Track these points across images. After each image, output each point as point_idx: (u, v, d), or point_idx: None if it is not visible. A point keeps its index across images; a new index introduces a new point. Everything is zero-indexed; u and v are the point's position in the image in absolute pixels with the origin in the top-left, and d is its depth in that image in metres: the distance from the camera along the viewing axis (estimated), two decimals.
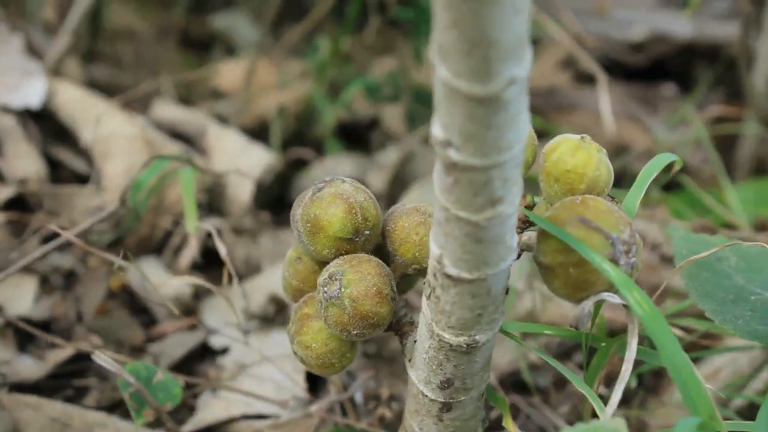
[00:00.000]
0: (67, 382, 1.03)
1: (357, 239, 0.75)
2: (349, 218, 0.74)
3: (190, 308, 1.13)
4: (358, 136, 1.54)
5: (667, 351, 0.64)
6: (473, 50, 0.53)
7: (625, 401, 1.07)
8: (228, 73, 1.53)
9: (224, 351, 1.09)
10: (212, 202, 1.26)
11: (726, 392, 1.01)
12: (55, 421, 0.93)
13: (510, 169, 0.60)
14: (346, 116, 1.50)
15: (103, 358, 0.86)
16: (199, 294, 1.14)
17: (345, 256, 0.75)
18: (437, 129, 0.59)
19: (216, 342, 1.09)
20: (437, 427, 0.78)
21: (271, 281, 1.12)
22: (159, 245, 1.21)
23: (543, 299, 1.09)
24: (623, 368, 0.69)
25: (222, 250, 0.92)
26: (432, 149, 1.41)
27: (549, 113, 1.60)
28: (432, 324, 0.71)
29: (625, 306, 0.70)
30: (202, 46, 1.75)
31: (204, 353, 1.10)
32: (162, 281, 1.12)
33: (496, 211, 0.61)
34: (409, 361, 0.77)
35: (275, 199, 1.36)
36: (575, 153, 0.71)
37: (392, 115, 1.54)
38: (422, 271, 0.77)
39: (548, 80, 1.65)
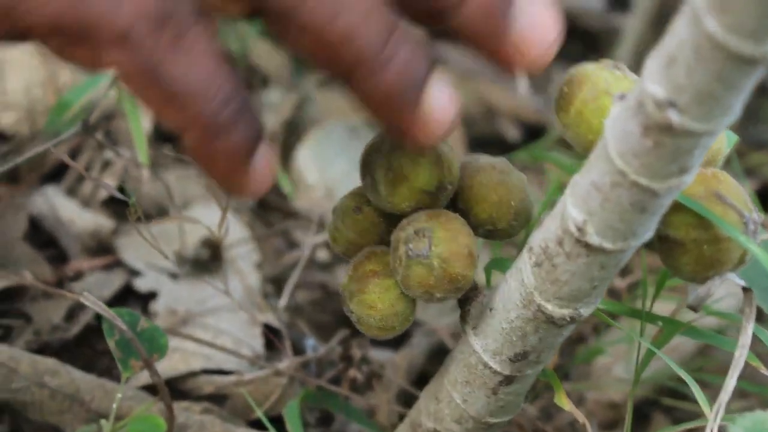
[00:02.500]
0: None
1: (439, 193, 0.69)
2: (436, 170, 0.68)
3: (106, 245, 1.02)
4: None
5: None
6: None
7: (565, 377, 1.06)
8: None
9: (152, 295, 0.99)
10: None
11: None
12: (1, 366, 0.81)
13: (718, 135, 0.56)
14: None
15: (92, 300, 0.76)
16: (116, 229, 1.04)
17: (427, 211, 0.69)
18: (656, 88, 0.54)
19: (141, 284, 0.99)
20: (488, 400, 0.73)
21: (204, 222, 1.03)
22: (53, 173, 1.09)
23: None
24: (737, 354, 0.66)
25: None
26: (335, 93, 1.34)
27: None
28: (534, 293, 0.66)
29: (744, 289, 0.67)
30: None
31: (126, 296, 1.00)
32: (77, 215, 1.01)
33: (681, 179, 0.58)
34: (473, 329, 0.72)
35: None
36: None
37: (262, 51, 1.45)
38: (494, 233, 0.72)
39: None
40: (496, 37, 0.60)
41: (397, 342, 1.02)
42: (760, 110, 1.52)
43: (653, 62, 0.54)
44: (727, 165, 0.69)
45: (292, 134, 1.28)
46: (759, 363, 0.70)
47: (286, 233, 1.15)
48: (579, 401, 1.02)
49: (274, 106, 1.32)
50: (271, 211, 1.21)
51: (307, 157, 1.24)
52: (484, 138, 1.47)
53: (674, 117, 0.54)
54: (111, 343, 0.76)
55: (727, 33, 0.50)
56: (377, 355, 0.99)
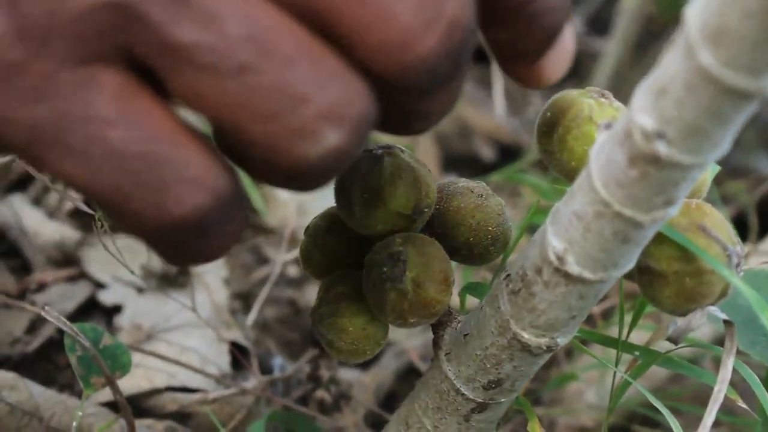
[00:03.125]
0: None
1: (416, 217, 0.67)
2: (413, 193, 0.66)
3: (71, 257, 1.00)
4: None
5: None
6: None
7: (537, 401, 1.04)
8: None
9: (117, 309, 0.96)
10: None
11: None
12: None
13: (706, 169, 0.55)
14: None
15: (55, 315, 0.73)
16: (82, 241, 1.01)
17: (402, 235, 0.67)
18: (645, 118, 0.52)
19: (106, 298, 0.97)
20: (459, 427, 0.71)
21: None
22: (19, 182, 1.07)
23: None
24: (716, 388, 0.65)
25: None
26: None
27: None
28: (510, 321, 0.64)
29: (726, 322, 0.66)
30: None
31: (90, 309, 0.97)
32: (42, 225, 0.99)
33: (666, 211, 0.56)
34: (446, 354, 0.70)
35: None
36: None
37: None
38: (471, 258, 0.70)
39: None
40: (540, 46, 0.57)
41: (366, 362, 1.00)
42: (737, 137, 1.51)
43: (642, 92, 0.53)
44: None
45: None
46: (737, 396, 0.69)
47: (257, 249, 1.12)
48: (550, 426, 1.01)
49: None
50: None
51: None
52: (460, 157, 1.45)
53: (662, 149, 0.52)
54: (72, 360, 0.74)
55: (722, 67, 0.48)
56: (345, 375, 0.98)
